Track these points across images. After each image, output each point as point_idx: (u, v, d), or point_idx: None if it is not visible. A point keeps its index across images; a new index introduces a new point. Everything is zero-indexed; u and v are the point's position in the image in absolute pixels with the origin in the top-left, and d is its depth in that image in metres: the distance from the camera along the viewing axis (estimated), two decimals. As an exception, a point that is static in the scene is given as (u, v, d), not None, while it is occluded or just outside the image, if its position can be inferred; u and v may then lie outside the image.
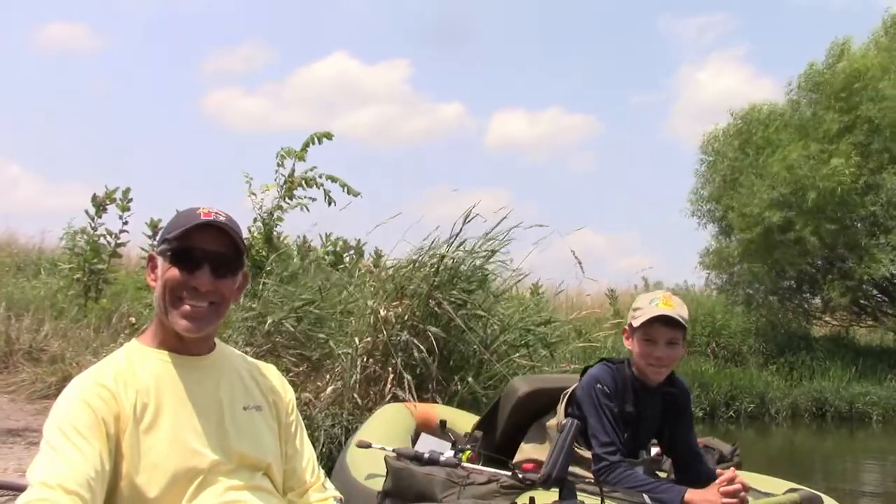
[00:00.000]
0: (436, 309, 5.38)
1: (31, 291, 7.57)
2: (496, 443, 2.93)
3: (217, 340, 1.65)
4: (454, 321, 5.34)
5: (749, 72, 32.06)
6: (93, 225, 7.53)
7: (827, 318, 15.10)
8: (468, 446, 2.99)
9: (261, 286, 6.05)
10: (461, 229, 5.65)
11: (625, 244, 26.47)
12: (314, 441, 3.32)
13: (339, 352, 5.48)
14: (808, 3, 33.25)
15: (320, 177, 7.02)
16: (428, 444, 3.08)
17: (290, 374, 5.39)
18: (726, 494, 2.12)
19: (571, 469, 2.09)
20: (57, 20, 33.13)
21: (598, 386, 2.47)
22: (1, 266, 9.26)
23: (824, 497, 2.34)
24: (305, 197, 7.06)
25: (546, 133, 33.78)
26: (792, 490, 2.32)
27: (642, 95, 34.53)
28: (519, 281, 6.64)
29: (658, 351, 2.44)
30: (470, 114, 35.29)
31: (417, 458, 2.52)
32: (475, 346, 5.41)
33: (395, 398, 4.91)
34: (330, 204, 7.08)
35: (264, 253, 6.66)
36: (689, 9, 36.53)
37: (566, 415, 2.59)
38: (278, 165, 6.97)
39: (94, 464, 1.35)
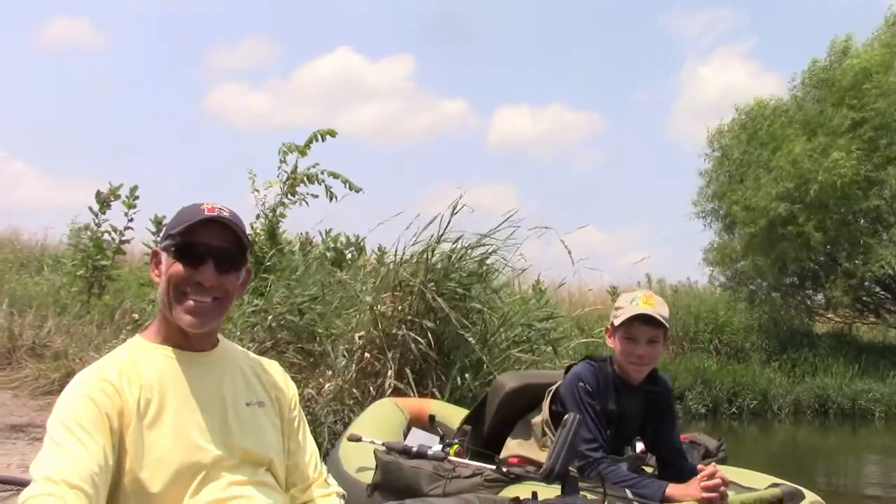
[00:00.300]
0: (431, 303, 5.37)
1: (35, 288, 7.58)
2: (484, 437, 2.96)
3: (220, 336, 1.65)
4: (449, 315, 5.32)
5: (753, 67, 32.02)
6: (96, 221, 7.54)
7: (829, 315, 15.10)
8: (456, 440, 3.02)
9: (269, 285, 6.06)
10: (449, 222, 5.62)
11: (628, 241, 26.47)
12: (316, 437, 3.32)
13: (340, 347, 5.48)
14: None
15: (322, 173, 7.03)
16: (418, 439, 3.10)
17: (293, 371, 5.40)
18: (707, 489, 2.15)
19: None
20: (60, 17, 33.19)
21: (581, 384, 2.51)
22: (4, 262, 9.28)
23: (806, 491, 2.36)
24: (308, 193, 7.07)
25: (549, 130, 33.80)
26: (774, 485, 2.35)
27: (646, 92, 34.51)
28: (519, 275, 6.63)
29: (639, 349, 2.49)
30: (473, 110, 35.32)
31: (406, 452, 2.57)
32: (471, 342, 5.38)
33: (396, 393, 4.92)
34: (332, 200, 7.10)
35: (267, 249, 6.67)
36: (693, 5, 36.47)
37: (550, 412, 2.62)
38: (281, 161, 6.99)
39: (98, 459, 1.35)
